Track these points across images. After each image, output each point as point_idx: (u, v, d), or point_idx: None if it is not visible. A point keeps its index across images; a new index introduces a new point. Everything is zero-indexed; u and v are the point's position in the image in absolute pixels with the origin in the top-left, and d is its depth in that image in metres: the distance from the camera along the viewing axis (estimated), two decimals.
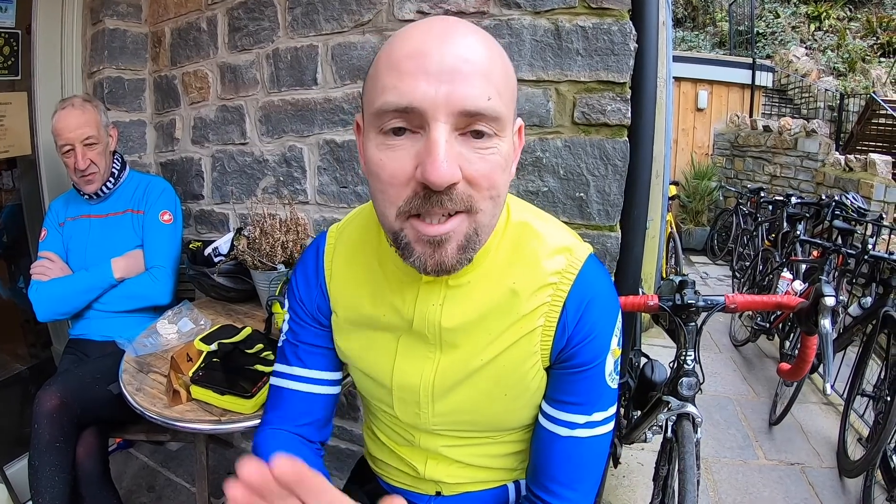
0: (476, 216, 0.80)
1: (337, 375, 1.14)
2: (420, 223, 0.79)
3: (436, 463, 1.10)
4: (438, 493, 1.14)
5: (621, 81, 1.73)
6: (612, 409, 0.98)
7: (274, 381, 1.13)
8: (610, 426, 0.98)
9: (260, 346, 1.70)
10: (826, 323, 1.47)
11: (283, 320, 1.15)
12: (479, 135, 0.76)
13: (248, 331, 1.83)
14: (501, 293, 0.94)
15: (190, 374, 1.57)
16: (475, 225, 0.81)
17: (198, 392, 1.55)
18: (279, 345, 1.16)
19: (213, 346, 1.69)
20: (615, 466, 2.56)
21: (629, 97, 1.74)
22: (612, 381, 0.97)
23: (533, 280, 0.93)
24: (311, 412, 1.11)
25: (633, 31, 1.71)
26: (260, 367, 1.60)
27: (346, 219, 1.12)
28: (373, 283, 1.01)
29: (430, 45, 0.74)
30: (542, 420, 0.99)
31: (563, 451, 0.96)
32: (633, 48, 1.71)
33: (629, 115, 1.75)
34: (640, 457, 2.84)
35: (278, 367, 1.14)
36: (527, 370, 0.95)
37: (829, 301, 1.44)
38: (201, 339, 1.74)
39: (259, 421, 1.47)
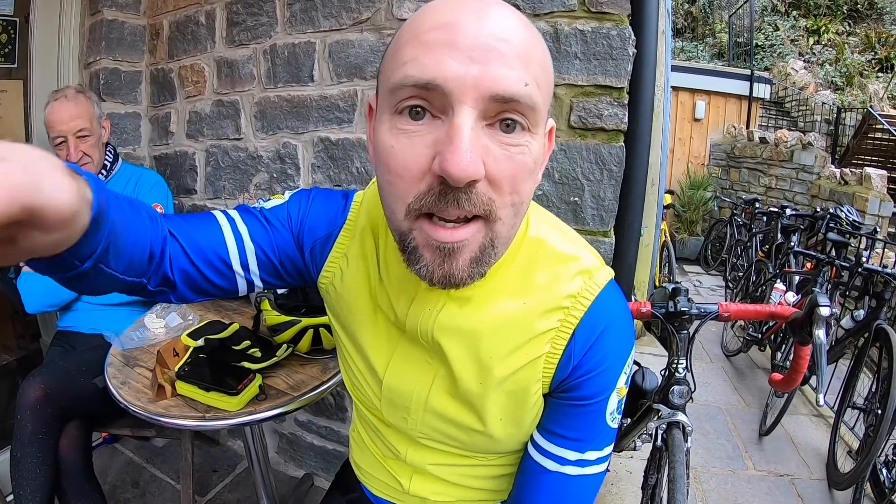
0: (494, 225, 0.69)
1: (258, 281, 0.98)
2: (432, 226, 0.68)
3: (421, 479, 1.05)
4: None
5: (619, 86, 1.73)
6: (608, 450, 0.90)
7: (216, 213, 0.96)
8: (603, 466, 0.90)
9: (247, 342, 1.69)
10: (820, 333, 1.46)
11: (276, 200, 1.01)
12: (509, 127, 0.66)
13: (235, 327, 1.81)
14: (508, 313, 0.84)
15: (176, 369, 1.55)
16: (492, 235, 0.70)
17: (183, 388, 1.52)
18: (252, 205, 1.01)
19: (200, 342, 1.67)
20: None
21: (626, 102, 1.74)
22: (613, 421, 0.88)
23: (544, 302, 0.84)
24: (210, 260, 0.91)
25: (633, 37, 1.70)
26: (246, 364, 1.58)
27: (371, 185, 0.98)
28: (380, 271, 0.93)
29: (463, 17, 0.64)
30: (530, 448, 0.92)
31: (548, 486, 0.89)
32: (631, 53, 1.70)
33: (626, 120, 1.74)
34: (629, 465, 2.83)
35: (231, 211, 0.97)
36: (527, 398, 0.88)
37: (824, 311, 1.43)
38: (188, 335, 1.72)
39: (244, 418, 1.47)
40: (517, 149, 0.67)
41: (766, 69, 11.98)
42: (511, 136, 0.67)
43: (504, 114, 0.66)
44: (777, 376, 1.74)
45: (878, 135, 8.52)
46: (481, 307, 0.85)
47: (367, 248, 0.95)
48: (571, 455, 0.87)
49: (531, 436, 0.92)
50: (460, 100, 0.63)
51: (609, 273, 0.88)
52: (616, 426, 0.90)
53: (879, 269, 3.22)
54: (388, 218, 0.75)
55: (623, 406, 0.91)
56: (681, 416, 1.69)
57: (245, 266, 0.94)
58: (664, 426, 1.72)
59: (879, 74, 11.57)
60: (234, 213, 0.96)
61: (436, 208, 0.67)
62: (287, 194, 1.01)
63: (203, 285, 0.93)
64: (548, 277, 0.85)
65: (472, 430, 0.92)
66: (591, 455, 0.88)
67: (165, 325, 1.96)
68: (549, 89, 0.72)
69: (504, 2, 0.69)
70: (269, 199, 1.01)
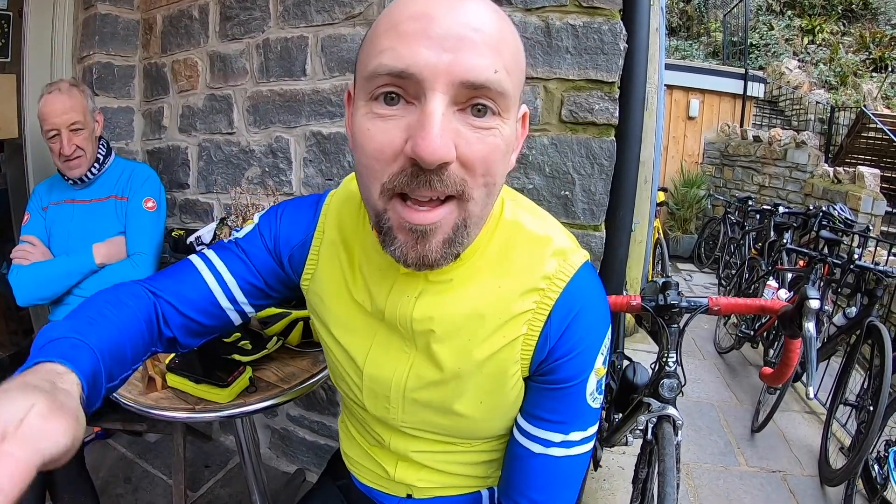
0: (467, 205, 0.72)
1: (248, 308, 1.05)
2: (405, 208, 0.71)
3: (406, 466, 1.06)
4: (409, 496, 1.09)
5: (610, 81, 1.73)
6: (592, 429, 0.91)
7: (192, 258, 1.03)
8: (588, 446, 0.91)
9: (237, 334, 1.68)
10: (810, 326, 1.46)
11: (247, 227, 1.06)
12: (480, 112, 0.69)
13: None
14: (484, 296, 0.86)
15: (166, 361, 1.55)
16: (465, 215, 0.73)
17: (173, 380, 1.52)
18: (226, 240, 1.06)
19: None
20: (595, 469, 2.55)
21: (617, 97, 1.74)
22: (594, 401, 0.89)
23: (520, 284, 0.86)
24: (200, 306, 0.99)
25: (624, 31, 1.71)
26: (237, 357, 1.59)
27: (343, 184, 1.03)
28: (355, 263, 0.95)
29: (437, 8, 0.67)
30: (516, 433, 0.94)
31: (536, 468, 0.91)
32: (622, 48, 1.71)
33: (617, 114, 1.74)
34: (621, 460, 2.84)
35: (208, 251, 1.03)
36: (506, 380, 0.89)
37: (814, 304, 1.43)
38: None
39: (234, 410, 1.47)
40: (488, 132, 0.70)
41: (761, 68, 12.04)
42: (482, 119, 0.70)
43: (475, 99, 0.69)
44: (768, 370, 1.75)
45: (872, 134, 8.58)
46: (458, 291, 0.87)
47: (338, 243, 0.98)
48: (556, 437, 0.89)
49: (516, 421, 0.94)
50: (432, 86, 0.66)
51: (584, 255, 0.91)
52: (598, 406, 0.91)
53: (871, 266, 3.22)
54: (365, 199, 0.77)
55: (603, 386, 0.92)
56: (671, 410, 1.69)
57: (233, 300, 1.01)
58: (654, 420, 1.73)
59: (873, 74, 11.65)
60: (211, 253, 1.03)
61: (408, 188, 0.70)
62: (257, 217, 1.06)
63: (200, 330, 1.01)
64: (524, 259, 0.87)
65: (453, 414, 0.93)
66: (576, 436, 0.89)
67: None
68: (519, 76, 0.75)
69: None
70: (241, 229, 1.06)
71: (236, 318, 1.04)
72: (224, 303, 1.00)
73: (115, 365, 0.81)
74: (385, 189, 0.71)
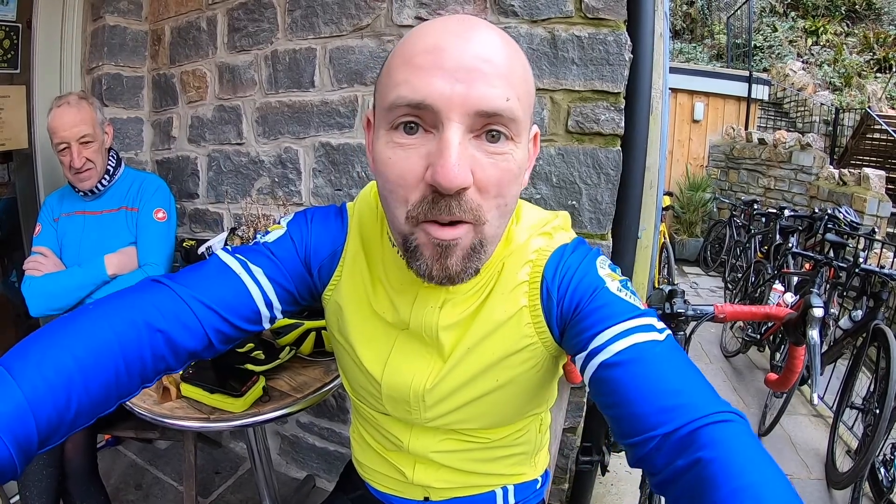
0: (482, 227, 0.77)
1: (279, 315, 0.98)
2: (431, 226, 0.75)
3: (425, 467, 1.08)
4: (426, 499, 1.12)
5: (616, 91, 1.75)
6: (650, 319, 0.81)
7: (225, 258, 0.94)
8: (665, 336, 0.80)
9: (250, 345, 1.71)
10: (814, 334, 1.47)
11: (276, 231, 1.01)
12: (494, 137, 0.74)
13: None
14: (493, 288, 0.92)
15: (180, 371, 1.57)
16: (481, 237, 0.78)
17: (188, 390, 1.55)
18: (251, 243, 1.01)
19: None
20: (603, 474, 2.56)
21: (623, 107, 1.76)
22: (627, 296, 0.84)
23: (515, 259, 0.92)
24: (242, 313, 0.91)
25: (629, 42, 1.73)
26: (250, 367, 1.61)
27: (361, 197, 1.03)
28: (376, 275, 0.98)
29: (449, 41, 0.72)
30: (594, 363, 0.79)
31: (622, 374, 0.76)
32: (627, 58, 1.73)
33: (622, 124, 1.76)
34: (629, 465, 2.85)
35: (239, 255, 0.95)
36: (515, 353, 0.92)
37: (818, 312, 1.45)
38: None
39: (248, 420, 1.49)
40: (502, 157, 0.75)
41: (765, 70, 12.00)
42: (496, 145, 0.74)
43: (489, 126, 0.73)
44: (773, 376, 1.76)
45: (877, 135, 8.55)
46: (474, 296, 0.93)
47: (360, 255, 1.00)
48: (618, 328, 0.80)
49: (589, 360, 0.81)
50: (448, 116, 0.71)
51: (573, 236, 0.98)
52: (632, 301, 0.84)
53: (877, 269, 3.24)
54: (391, 221, 0.81)
55: (631, 287, 0.88)
56: None
57: (270, 306, 0.96)
58: None
59: (878, 75, 11.60)
60: (243, 258, 0.95)
61: (430, 215, 0.74)
62: (283, 222, 1.03)
63: (235, 336, 0.94)
64: (516, 238, 0.93)
65: (473, 397, 0.96)
66: (635, 323, 0.80)
67: None
68: (529, 101, 0.80)
69: (487, 22, 0.77)
70: (268, 233, 1.02)
71: (266, 324, 0.98)
72: (263, 310, 0.94)
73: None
74: (410, 216, 0.76)
